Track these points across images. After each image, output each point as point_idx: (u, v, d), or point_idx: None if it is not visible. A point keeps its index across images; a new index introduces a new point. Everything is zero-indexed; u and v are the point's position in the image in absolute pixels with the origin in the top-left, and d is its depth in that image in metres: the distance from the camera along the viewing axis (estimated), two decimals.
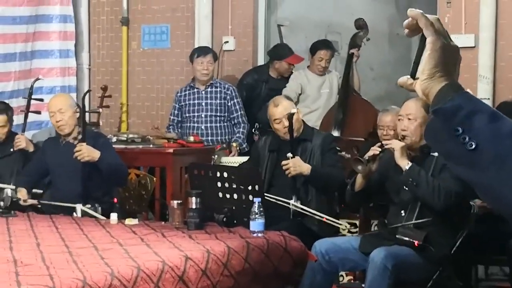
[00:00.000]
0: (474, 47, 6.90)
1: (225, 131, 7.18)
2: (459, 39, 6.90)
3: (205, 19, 8.07)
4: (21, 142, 6.02)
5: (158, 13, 8.44)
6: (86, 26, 8.72)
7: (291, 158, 5.24)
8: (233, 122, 7.21)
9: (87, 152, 5.25)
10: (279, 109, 5.42)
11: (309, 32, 9.41)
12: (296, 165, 5.23)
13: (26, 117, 6.27)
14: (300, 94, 7.38)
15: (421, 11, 1.55)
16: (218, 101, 7.14)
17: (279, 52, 7.64)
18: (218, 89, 7.19)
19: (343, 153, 6.52)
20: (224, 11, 8.06)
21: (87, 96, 8.46)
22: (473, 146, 1.39)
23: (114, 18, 8.67)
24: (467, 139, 1.40)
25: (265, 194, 4.85)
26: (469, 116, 1.42)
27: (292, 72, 7.53)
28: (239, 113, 7.19)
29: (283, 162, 5.26)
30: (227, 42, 8.07)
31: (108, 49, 8.74)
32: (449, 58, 1.52)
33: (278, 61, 7.53)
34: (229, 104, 7.16)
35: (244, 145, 7.12)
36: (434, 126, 1.48)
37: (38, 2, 8.05)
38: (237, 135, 7.14)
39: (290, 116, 5.26)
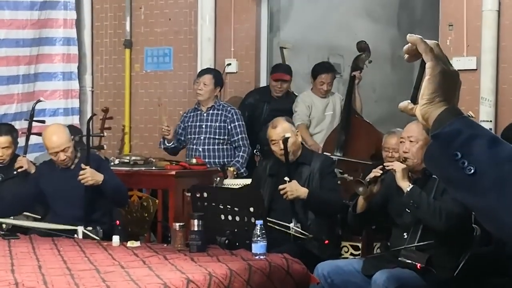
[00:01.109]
0: (476, 69, 6.91)
1: (223, 154, 7.13)
2: (461, 62, 6.92)
3: (208, 42, 8.10)
4: (23, 163, 6.03)
5: (161, 36, 8.48)
6: (89, 49, 8.76)
7: (288, 182, 5.24)
8: (234, 146, 7.16)
9: (91, 176, 5.25)
10: (276, 131, 5.43)
11: (312, 54, 9.45)
12: (293, 188, 5.23)
13: (27, 139, 6.28)
14: (309, 116, 7.39)
15: (420, 36, 1.56)
16: (218, 124, 7.12)
17: (272, 69, 7.73)
18: (220, 112, 7.17)
19: (346, 175, 6.52)
20: (227, 34, 8.09)
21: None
22: (472, 171, 1.40)
23: (117, 40, 8.71)
24: (466, 163, 1.41)
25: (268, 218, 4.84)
26: (468, 140, 1.42)
27: (281, 91, 7.53)
28: (239, 136, 7.12)
29: (280, 187, 5.26)
30: (229, 64, 8.09)
31: (111, 71, 8.78)
32: (449, 83, 1.53)
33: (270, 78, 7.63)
34: (229, 127, 7.11)
35: (242, 170, 7.01)
36: (434, 151, 1.49)
37: (41, 25, 8.09)
38: (236, 159, 7.07)
39: (284, 140, 5.26)
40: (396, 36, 10.85)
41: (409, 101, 1.61)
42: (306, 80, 8.07)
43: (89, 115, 8.64)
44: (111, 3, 8.74)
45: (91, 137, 6.64)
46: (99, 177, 5.29)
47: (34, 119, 6.31)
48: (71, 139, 5.54)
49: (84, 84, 8.71)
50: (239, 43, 8.09)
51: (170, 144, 7.13)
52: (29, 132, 6.23)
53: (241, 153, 7.09)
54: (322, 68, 7.48)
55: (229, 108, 7.20)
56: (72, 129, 6.32)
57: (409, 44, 1.58)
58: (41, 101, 7.03)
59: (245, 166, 7.07)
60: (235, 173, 6.90)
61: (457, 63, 6.96)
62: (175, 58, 8.42)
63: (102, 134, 6.73)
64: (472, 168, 1.40)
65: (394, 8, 10.89)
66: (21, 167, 6.04)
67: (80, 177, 5.24)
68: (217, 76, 7.31)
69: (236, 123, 7.12)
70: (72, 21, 8.34)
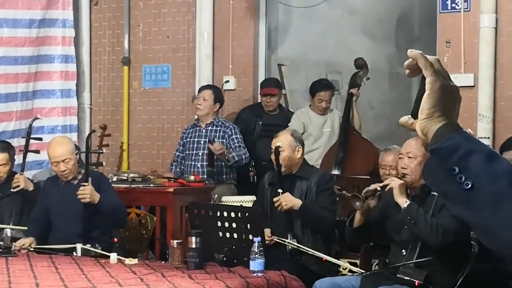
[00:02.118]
0: (473, 86, 6.93)
1: (221, 171, 7.14)
2: (459, 79, 6.93)
3: (206, 59, 8.12)
4: (20, 182, 6.01)
5: (159, 53, 8.50)
6: (87, 66, 8.78)
7: (281, 193, 5.24)
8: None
9: (90, 194, 5.25)
10: (274, 140, 5.46)
11: (310, 71, 9.48)
12: (287, 199, 5.23)
13: (25, 156, 6.27)
14: (302, 133, 7.38)
15: (420, 51, 1.56)
16: (217, 140, 7.12)
17: (261, 84, 7.76)
18: (219, 128, 7.18)
19: (344, 191, 6.51)
20: (225, 51, 8.11)
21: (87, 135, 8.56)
22: (469, 186, 1.40)
23: (115, 58, 8.74)
24: (463, 178, 1.41)
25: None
26: (465, 155, 1.43)
27: (271, 105, 7.54)
28: (237, 144, 7.09)
29: (274, 199, 5.26)
30: (227, 81, 8.10)
31: (109, 88, 8.79)
32: (448, 98, 1.54)
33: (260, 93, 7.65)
34: (227, 141, 7.11)
35: (232, 155, 6.92)
36: (432, 165, 1.49)
37: (40, 42, 8.11)
38: (234, 151, 7.02)
39: (276, 149, 5.29)
40: (393, 53, 10.88)
41: (410, 116, 1.61)
42: (304, 97, 8.08)
43: (87, 132, 8.64)
44: (109, 21, 8.77)
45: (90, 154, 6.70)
46: (96, 197, 5.29)
47: (32, 136, 6.30)
48: (75, 152, 5.53)
49: (83, 101, 8.72)
50: (237, 60, 8.11)
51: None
52: (26, 150, 6.22)
53: (239, 152, 7.03)
54: (320, 86, 7.48)
55: (227, 124, 7.22)
56: None
57: (410, 59, 1.58)
58: (38, 118, 7.02)
59: (237, 162, 6.99)
60: (225, 152, 6.83)
61: (455, 80, 6.77)
62: (173, 75, 8.44)
63: (101, 151, 6.72)
64: (469, 182, 1.41)
65: (391, 25, 10.92)
66: (19, 185, 6.03)
67: (79, 192, 5.24)
68: (217, 93, 7.33)
69: (234, 136, 7.12)
70: (71, 38, 8.37)
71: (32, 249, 5.24)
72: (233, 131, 7.17)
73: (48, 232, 5.56)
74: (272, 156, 5.46)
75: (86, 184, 5.26)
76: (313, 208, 5.30)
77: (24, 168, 6.21)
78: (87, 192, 5.24)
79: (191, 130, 7.30)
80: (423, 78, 1.57)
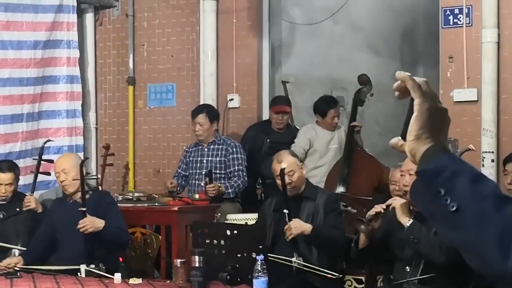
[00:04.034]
0: (477, 101, 6.93)
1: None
2: (462, 94, 6.96)
3: (210, 77, 8.16)
4: (31, 203, 6.07)
5: (163, 72, 8.54)
6: (93, 86, 8.82)
7: (287, 216, 5.22)
8: (229, 176, 7.12)
9: (90, 224, 5.26)
10: (282, 165, 5.43)
11: (315, 88, 9.48)
12: (296, 225, 5.21)
13: (36, 177, 6.31)
14: (308, 149, 7.39)
15: (409, 74, 1.57)
16: (219, 159, 7.12)
17: (271, 102, 7.75)
18: (221, 146, 7.19)
19: (349, 208, 6.52)
20: (229, 69, 8.14)
21: (93, 155, 8.60)
22: (455, 208, 1.41)
23: (120, 77, 8.78)
24: (449, 200, 1.42)
25: (268, 254, 4.83)
26: (451, 177, 1.44)
27: (282, 123, 7.56)
28: (236, 167, 7.08)
29: (285, 228, 5.22)
30: (232, 99, 8.13)
31: (114, 108, 8.83)
32: (436, 120, 1.55)
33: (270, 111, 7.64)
34: (227, 158, 7.12)
35: (230, 191, 6.95)
36: (418, 187, 1.50)
37: (45, 63, 8.15)
38: (231, 182, 7.03)
39: (281, 171, 5.27)
40: (398, 69, 10.75)
41: (400, 137, 1.62)
42: (309, 114, 8.09)
43: (93, 152, 8.70)
44: (114, 41, 8.82)
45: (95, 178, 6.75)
46: (99, 224, 5.29)
47: (43, 158, 6.36)
48: (78, 168, 5.52)
49: (88, 121, 8.76)
50: (241, 78, 8.14)
51: (175, 190, 7.14)
52: (37, 171, 6.26)
53: (236, 179, 7.04)
54: (330, 103, 7.51)
55: (229, 142, 7.23)
56: None
57: (399, 81, 1.60)
58: (50, 140, 7.08)
59: (235, 193, 7.02)
60: (220, 188, 6.84)
61: (458, 94, 6.99)
62: (178, 94, 8.48)
63: (96, 177, 6.76)
64: (454, 204, 1.41)
65: (396, 41, 10.93)
66: (29, 205, 6.08)
67: (79, 227, 5.25)
68: (210, 112, 7.32)
69: (234, 156, 7.10)
70: (76, 59, 8.41)
71: (18, 269, 5.24)
72: (235, 149, 7.16)
73: (50, 252, 5.58)
74: (279, 181, 5.44)
75: (83, 209, 5.27)
76: (324, 231, 5.29)
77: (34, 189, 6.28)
78: (86, 223, 5.25)
79: (194, 149, 7.31)
80: (412, 100, 1.58)
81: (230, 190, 6.96)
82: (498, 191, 1.44)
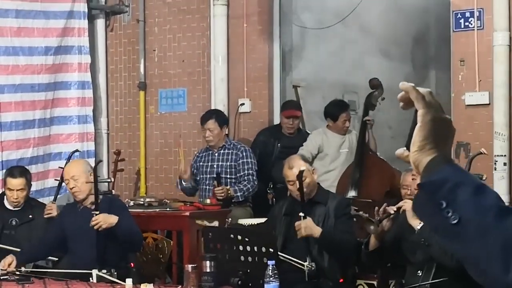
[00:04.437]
0: (489, 104, 6.90)
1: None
2: (474, 97, 6.93)
3: (221, 82, 8.15)
4: (53, 211, 6.13)
5: (174, 77, 8.55)
6: (104, 92, 8.84)
7: (303, 218, 5.21)
8: (239, 180, 7.10)
9: (103, 220, 5.26)
10: (293, 171, 5.40)
11: (326, 92, 9.47)
12: (308, 225, 5.20)
13: (59, 185, 6.33)
14: (317, 154, 7.37)
15: (412, 84, 1.57)
16: (229, 163, 7.11)
17: (282, 106, 7.74)
18: (231, 151, 7.17)
19: (361, 212, 6.49)
20: (240, 74, 8.14)
21: (105, 161, 8.61)
22: (456, 221, 1.41)
23: (131, 83, 8.79)
24: (450, 213, 1.42)
25: (280, 253, 4.82)
26: (453, 189, 1.43)
27: (293, 128, 7.55)
28: (246, 172, 7.06)
29: (296, 223, 5.23)
30: (243, 104, 8.13)
31: (126, 113, 8.84)
32: (440, 131, 1.54)
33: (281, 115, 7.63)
34: (238, 163, 7.11)
35: (239, 194, 6.93)
36: (421, 200, 1.50)
37: (56, 69, 8.17)
38: (240, 186, 7.00)
39: (299, 175, 5.25)
40: (410, 72, 10.86)
41: (405, 148, 1.61)
42: (321, 118, 8.07)
43: (105, 157, 8.71)
44: (125, 46, 8.83)
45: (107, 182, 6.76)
46: (113, 220, 5.29)
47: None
48: (87, 174, 5.54)
49: (100, 126, 8.77)
50: (252, 82, 8.14)
51: (187, 184, 7.12)
52: (61, 179, 6.26)
53: (246, 183, 7.02)
54: (341, 107, 7.51)
55: (239, 146, 7.21)
56: None
57: (403, 92, 1.59)
58: (78, 151, 7.12)
59: (245, 197, 7.00)
60: (229, 191, 6.82)
61: (470, 98, 6.97)
62: (189, 99, 8.48)
63: (109, 180, 6.76)
64: (456, 217, 1.41)
65: (408, 45, 10.91)
66: (50, 213, 6.11)
67: (92, 223, 5.25)
68: (219, 117, 7.29)
69: (244, 160, 7.08)
70: (87, 64, 8.42)
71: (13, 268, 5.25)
72: (244, 153, 7.14)
73: (47, 255, 5.64)
74: (291, 187, 5.42)
75: (96, 212, 5.27)
76: (333, 236, 5.27)
77: (57, 197, 6.31)
78: (99, 220, 5.25)
79: (203, 154, 7.31)
80: (416, 111, 1.58)
81: (239, 194, 6.94)
82: (500, 202, 1.43)
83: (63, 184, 6.09)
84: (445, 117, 1.56)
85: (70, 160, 6.53)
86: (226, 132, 7.35)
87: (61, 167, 6.49)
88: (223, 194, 6.77)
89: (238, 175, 7.09)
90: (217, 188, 6.77)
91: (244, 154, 7.11)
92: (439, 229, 1.46)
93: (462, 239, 1.41)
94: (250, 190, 7.02)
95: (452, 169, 1.47)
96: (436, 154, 1.51)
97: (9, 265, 5.27)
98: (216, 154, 7.20)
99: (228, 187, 6.89)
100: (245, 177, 7.06)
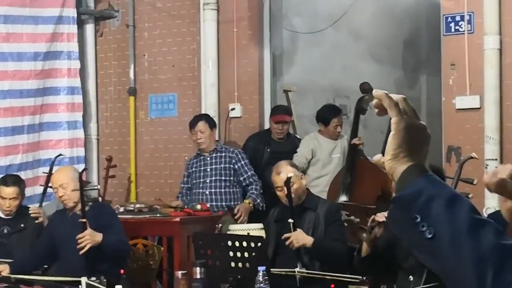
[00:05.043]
0: (479, 108, 6.89)
1: (230, 197, 7.12)
2: (464, 101, 6.92)
3: (211, 87, 8.13)
4: (42, 216, 6.09)
5: (165, 82, 8.51)
6: (94, 97, 8.80)
7: (292, 225, 5.19)
8: (244, 184, 7.14)
9: (90, 238, 5.22)
10: (281, 177, 5.39)
11: (317, 97, 9.45)
12: (298, 238, 5.18)
13: (45, 191, 6.29)
14: (311, 159, 7.35)
15: (385, 92, 1.54)
16: (223, 166, 7.11)
17: (271, 111, 7.72)
18: (223, 154, 7.18)
19: (352, 217, 6.47)
20: (230, 79, 8.11)
21: (95, 167, 8.58)
22: (432, 235, 1.38)
23: (121, 88, 8.76)
24: (425, 227, 1.39)
25: (270, 269, 4.79)
26: (427, 202, 1.40)
27: (282, 133, 7.52)
28: (248, 173, 7.12)
29: (286, 235, 5.20)
30: (233, 109, 8.10)
31: (116, 119, 8.81)
32: (414, 138, 1.51)
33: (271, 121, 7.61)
34: (236, 167, 7.10)
35: (259, 200, 6.97)
36: (395, 215, 1.47)
37: (45, 75, 8.13)
38: (251, 191, 7.04)
39: (287, 181, 5.23)
40: (401, 76, 10.86)
41: (381, 154, 1.59)
42: (312, 123, 8.06)
43: (95, 163, 8.67)
44: (114, 52, 8.80)
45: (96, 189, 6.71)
46: (98, 238, 5.26)
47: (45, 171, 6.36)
48: (76, 181, 5.50)
49: (90, 132, 8.73)
50: (242, 87, 8.11)
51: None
52: (46, 185, 6.23)
53: (254, 186, 7.05)
54: (333, 112, 7.48)
55: (231, 149, 7.23)
56: None
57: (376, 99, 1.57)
58: (62, 155, 7.07)
59: (260, 198, 7.01)
60: (251, 205, 6.83)
61: (461, 102, 6.96)
62: (180, 104, 8.45)
63: (97, 187, 6.73)
64: (431, 231, 1.38)
65: (398, 49, 10.91)
66: (38, 217, 6.06)
67: (79, 241, 5.21)
68: (208, 119, 7.35)
69: (243, 162, 7.12)
70: (76, 70, 8.38)
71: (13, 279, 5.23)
72: (239, 155, 7.18)
73: (42, 264, 5.57)
74: (280, 193, 5.41)
75: (83, 220, 5.23)
76: (325, 244, 5.25)
77: (43, 202, 6.27)
78: (86, 239, 5.21)
79: (195, 160, 7.30)
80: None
81: (258, 200, 6.99)
82: (473, 214, 1.40)
83: (49, 190, 6.07)
84: (419, 124, 1.53)
85: (54, 165, 6.48)
86: (217, 138, 7.33)
87: (45, 172, 6.45)
88: (242, 217, 6.69)
89: (241, 178, 7.13)
90: (237, 215, 6.69)
91: (239, 156, 7.15)
92: (415, 244, 1.43)
93: (437, 254, 1.38)
94: (259, 189, 7.07)
95: (426, 181, 1.44)
96: (411, 163, 1.48)
97: (0, 272, 5.25)
98: (208, 158, 7.19)
99: (248, 201, 6.86)
100: (250, 179, 7.12)
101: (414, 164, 1.48)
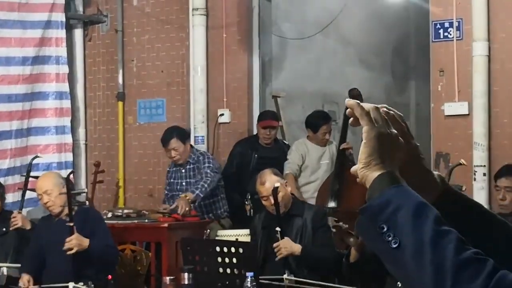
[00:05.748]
0: (468, 114, 6.89)
1: (205, 210, 7.10)
2: (453, 107, 6.93)
3: (200, 93, 8.11)
4: (18, 221, 5.97)
5: (153, 88, 8.50)
6: (82, 102, 8.78)
7: (280, 234, 5.16)
8: (201, 177, 6.98)
9: (76, 243, 5.20)
10: (265, 186, 5.37)
11: (306, 103, 9.48)
12: (286, 246, 5.16)
13: (23, 195, 6.25)
14: (301, 165, 7.35)
15: (357, 101, 1.55)
16: (194, 180, 7.05)
17: (258, 116, 7.70)
18: (195, 165, 7.07)
19: (341, 223, 6.45)
20: (219, 84, 8.10)
21: (83, 172, 8.55)
22: (397, 244, 1.39)
23: (110, 93, 8.74)
24: (391, 236, 1.39)
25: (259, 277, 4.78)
26: (394, 212, 1.41)
27: (270, 138, 7.50)
28: (205, 165, 6.97)
29: (274, 245, 5.19)
30: (222, 114, 8.09)
31: (104, 124, 8.78)
32: (385, 146, 1.51)
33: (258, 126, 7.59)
34: (203, 170, 7.02)
35: (198, 192, 6.73)
36: (363, 224, 1.46)
37: (33, 79, 8.10)
38: (196, 186, 6.85)
39: (274, 190, 5.20)
40: (390, 82, 10.90)
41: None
42: (301, 128, 8.06)
43: (83, 168, 8.65)
44: (103, 57, 8.78)
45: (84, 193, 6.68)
46: (85, 243, 5.24)
47: (31, 175, 6.28)
48: (60, 186, 5.47)
49: (78, 137, 8.71)
50: (231, 93, 8.10)
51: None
52: (25, 188, 6.19)
53: (201, 182, 6.86)
54: (322, 119, 7.46)
55: (198, 154, 7.15)
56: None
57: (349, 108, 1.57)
58: (38, 156, 7.01)
59: (201, 189, 6.82)
60: (187, 197, 6.64)
61: (449, 108, 6.96)
62: (168, 110, 8.43)
63: (84, 191, 6.70)
64: (397, 241, 1.39)
65: (388, 55, 10.95)
66: (16, 224, 6.00)
67: (66, 247, 5.19)
68: (180, 134, 7.21)
69: (206, 164, 7.00)
70: (65, 75, 8.37)
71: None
72: (205, 159, 7.06)
73: (41, 270, 5.52)
74: (266, 203, 5.39)
75: (71, 224, 5.21)
76: (314, 250, 5.24)
77: (23, 207, 6.20)
78: (73, 243, 5.19)
79: (173, 169, 7.27)
80: None
81: (197, 192, 6.76)
82: (438, 225, 1.39)
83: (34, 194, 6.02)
84: (390, 132, 1.53)
85: (42, 170, 6.43)
86: (190, 144, 7.29)
87: (23, 175, 6.40)
88: (183, 210, 6.55)
89: (201, 175, 7.00)
90: (178, 211, 6.53)
91: (205, 159, 7.04)
92: (381, 253, 1.43)
93: (402, 263, 1.38)
94: (205, 185, 6.82)
95: (395, 191, 1.44)
96: (383, 171, 1.48)
97: (28, 282, 5.23)
98: (183, 171, 7.16)
99: (185, 195, 6.73)
100: (203, 175, 6.95)
101: (385, 172, 1.48)
